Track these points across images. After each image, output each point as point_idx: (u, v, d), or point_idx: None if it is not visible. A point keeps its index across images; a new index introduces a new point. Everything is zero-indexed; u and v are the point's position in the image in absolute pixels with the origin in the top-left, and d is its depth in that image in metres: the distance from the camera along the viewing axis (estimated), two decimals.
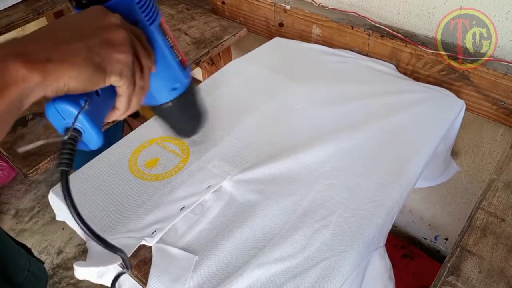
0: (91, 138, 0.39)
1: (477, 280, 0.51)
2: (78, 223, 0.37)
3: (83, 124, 0.38)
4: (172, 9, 1.11)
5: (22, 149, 0.37)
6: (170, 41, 0.46)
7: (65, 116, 0.37)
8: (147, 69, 0.41)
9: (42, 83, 0.32)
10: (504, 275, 0.51)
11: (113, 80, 0.37)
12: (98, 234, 0.39)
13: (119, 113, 0.42)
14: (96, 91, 0.39)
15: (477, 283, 0.51)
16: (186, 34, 1.00)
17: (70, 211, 0.37)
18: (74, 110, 0.37)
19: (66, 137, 0.37)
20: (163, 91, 0.48)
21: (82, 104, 0.37)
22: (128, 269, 0.48)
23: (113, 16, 0.39)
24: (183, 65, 0.48)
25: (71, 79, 0.34)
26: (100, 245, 0.39)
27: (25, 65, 0.32)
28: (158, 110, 0.51)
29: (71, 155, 0.37)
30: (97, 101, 0.39)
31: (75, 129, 0.38)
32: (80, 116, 0.37)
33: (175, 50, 0.47)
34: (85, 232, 0.38)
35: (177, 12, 1.10)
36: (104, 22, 0.38)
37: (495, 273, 0.51)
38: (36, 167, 0.70)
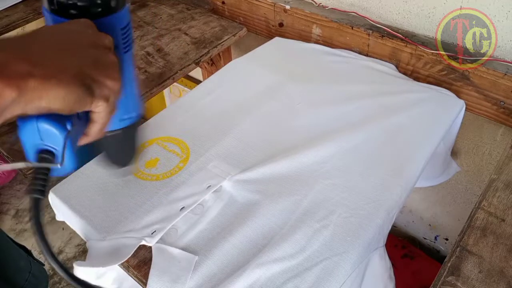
0: (66, 164, 0.36)
1: (477, 280, 0.51)
2: (50, 261, 0.34)
3: (60, 148, 0.34)
4: (172, 9, 1.11)
5: None
6: (135, 72, 0.45)
7: (44, 137, 0.34)
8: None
9: (20, 100, 0.28)
10: (504, 275, 0.51)
11: (99, 105, 0.34)
12: (78, 277, 0.36)
13: (87, 139, 0.39)
14: (77, 114, 0.36)
15: (477, 283, 0.51)
16: (186, 34, 1.00)
17: (40, 246, 0.33)
18: (59, 133, 0.33)
19: (60, 164, 0.34)
20: (115, 119, 0.45)
21: (69, 128, 0.34)
22: None
23: (106, 37, 0.36)
24: (139, 97, 0.47)
25: (57, 98, 0.30)
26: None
27: (1, 79, 0.27)
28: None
29: (46, 181, 0.34)
30: (78, 125, 0.36)
31: (52, 153, 0.34)
32: (60, 141, 0.34)
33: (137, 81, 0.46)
34: (60, 274, 0.34)
35: (177, 12, 1.10)
36: (95, 41, 0.35)
37: (495, 273, 0.51)
38: None
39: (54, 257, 0.33)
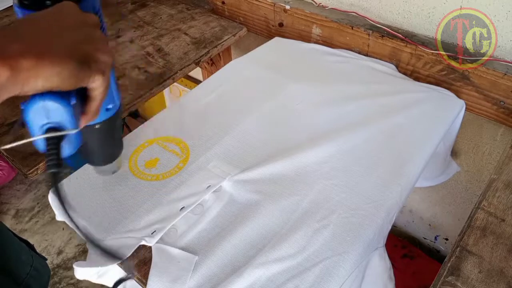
0: (71, 140, 0.36)
1: (477, 280, 0.51)
2: (72, 226, 0.35)
3: (67, 125, 0.35)
4: (172, 9, 1.11)
5: (3, 147, 0.35)
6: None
7: (50, 114, 0.34)
8: None
9: (14, 79, 0.29)
10: (504, 275, 0.51)
11: (96, 79, 0.35)
12: (99, 244, 0.37)
13: (85, 120, 0.39)
14: (76, 91, 0.36)
15: (477, 283, 0.51)
16: (186, 34, 1.00)
17: (65, 217, 0.34)
18: (64, 107, 0.34)
19: (60, 133, 0.34)
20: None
21: (73, 102, 0.34)
22: (132, 276, 0.47)
23: (92, 16, 0.37)
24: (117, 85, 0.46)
25: (52, 76, 0.31)
26: (98, 250, 0.37)
27: None
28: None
29: (59, 154, 0.35)
30: (77, 103, 0.36)
31: (59, 129, 0.35)
32: (66, 116, 0.34)
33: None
34: (83, 237, 0.36)
35: (177, 12, 1.10)
36: (83, 19, 0.36)
37: (495, 273, 0.51)
38: (36, 167, 0.70)
39: (76, 224, 0.35)
